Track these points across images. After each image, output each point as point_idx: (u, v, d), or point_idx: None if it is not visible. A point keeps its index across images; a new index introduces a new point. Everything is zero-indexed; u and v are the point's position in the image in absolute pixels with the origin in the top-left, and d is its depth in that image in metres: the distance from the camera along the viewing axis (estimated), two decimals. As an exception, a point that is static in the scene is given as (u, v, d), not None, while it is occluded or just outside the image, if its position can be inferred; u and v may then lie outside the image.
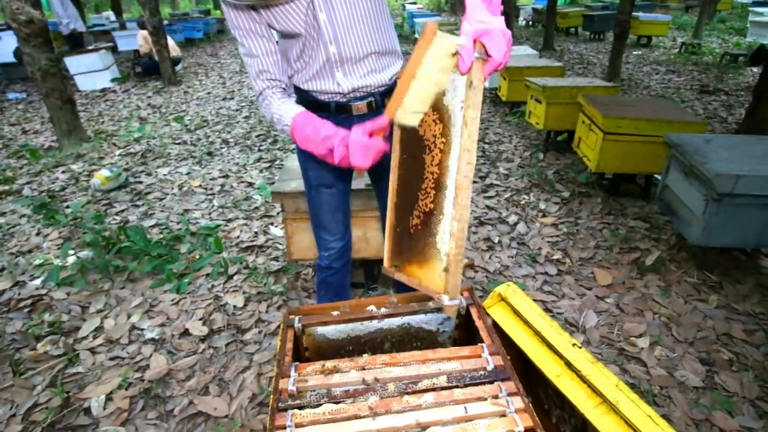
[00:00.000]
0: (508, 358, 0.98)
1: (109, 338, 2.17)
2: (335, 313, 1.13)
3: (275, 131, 5.14)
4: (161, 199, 3.61)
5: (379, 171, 1.49)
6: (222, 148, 4.74)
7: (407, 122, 0.97)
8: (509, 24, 11.22)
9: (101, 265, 2.61)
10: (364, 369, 0.96)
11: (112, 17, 15.27)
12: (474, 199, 3.43)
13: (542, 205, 3.29)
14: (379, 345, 1.18)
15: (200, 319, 2.26)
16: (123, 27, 12.51)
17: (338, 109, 1.35)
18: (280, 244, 2.88)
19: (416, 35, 12.14)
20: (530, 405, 0.86)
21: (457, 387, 0.91)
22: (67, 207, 3.45)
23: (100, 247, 2.72)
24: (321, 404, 0.88)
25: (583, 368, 0.94)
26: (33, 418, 1.76)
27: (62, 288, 2.52)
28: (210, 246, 2.85)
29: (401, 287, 1.69)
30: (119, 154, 4.62)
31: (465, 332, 1.19)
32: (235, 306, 2.36)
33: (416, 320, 1.16)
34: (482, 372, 0.94)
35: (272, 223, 3.15)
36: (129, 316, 2.31)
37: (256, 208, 3.40)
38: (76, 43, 8.51)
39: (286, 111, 1.24)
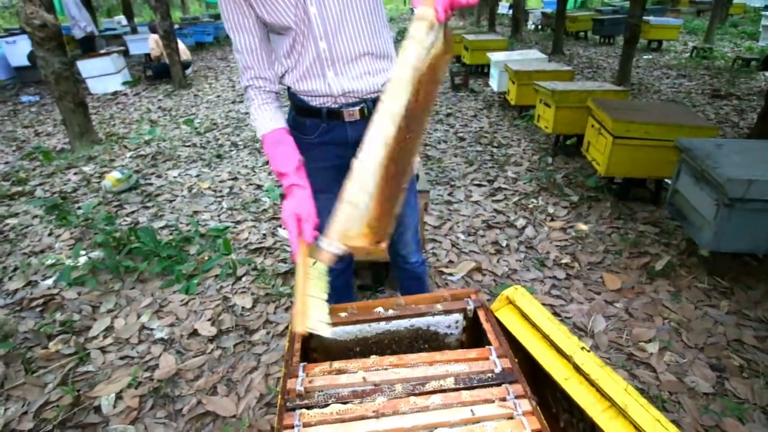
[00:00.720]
0: (516, 360, 0.98)
1: (119, 338, 2.19)
2: (343, 314, 1.14)
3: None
4: (171, 201, 3.65)
5: None
6: (231, 150, 4.78)
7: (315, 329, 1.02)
8: (518, 28, 11.15)
9: (112, 266, 2.64)
10: (371, 370, 0.97)
11: (124, 21, 15.45)
12: (482, 202, 3.43)
13: (551, 209, 3.28)
14: (387, 346, 1.18)
15: (209, 320, 2.28)
16: (134, 31, 12.66)
17: (330, 115, 1.33)
18: (288, 246, 2.89)
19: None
20: (538, 408, 0.86)
21: (464, 389, 0.92)
22: (79, 208, 3.50)
23: (111, 248, 2.75)
24: (329, 404, 0.89)
25: (591, 372, 0.94)
26: (44, 415, 1.79)
27: (74, 288, 2.55)
28: (219, 247, 2.87)
29: (402, 279, 1.70)
30: (130, 157, 4.67)
31: (472, 335, 1.19)
32: (243, 307, 2.37)
33: (423, 322, 1.17)
34: (490, 374, 0.94)
35: (280, 225, 3.17)
36: (139, 316, 2.33)
37: (265, 210, 3.42)
38: (89, 46, 8.62)
39: (262, 124, 1.25)
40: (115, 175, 3.82)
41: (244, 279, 2.60)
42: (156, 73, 8.31)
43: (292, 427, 0.84)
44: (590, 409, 0.91)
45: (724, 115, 5.29)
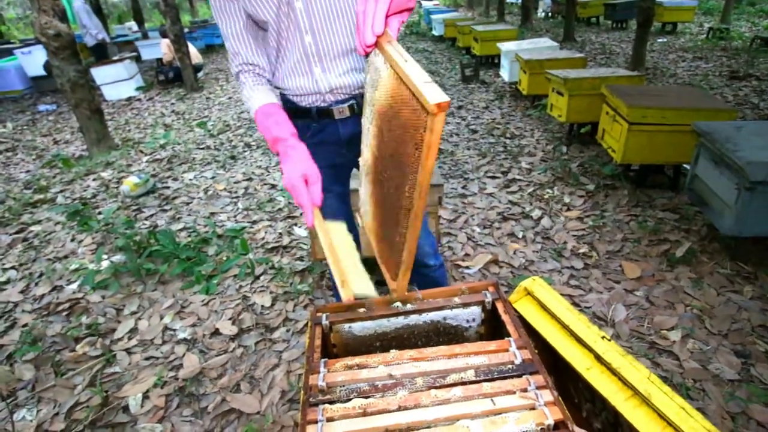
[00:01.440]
0: (536, 352, 0.98)
1: (144, 339, 2.24)
2: (362, 310, 1.14)
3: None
4: (188, 203, 3.70)
5: None
6: (245, 151, 4.82)
7: None
8: (528, 16, 11.02)
9: (133, 269, 2.69)
10: (392, 364, 0.97)
11: (135, 27, 15.65)
12: (496, 194, 3.41)
13: (567, 199, 3.24)
14: (406, 341, 1.19)
15: (230, 319, 2.32)
16: (145, 36, 12.80)
17: (320, 114, 1.32)
18: (305, 244, 2.92)
19: (433, 32, 12.08)
20: (559, 398, 0.86)
21: (485, 381, 0.92)
22: (99, 213, 3.57)
23: (132, 251, 2.80)
24: (351, 399, 0.90)
25: (613, 361, 0.93)
26: (75, 416, 1.84)
27: (97, 291, 2.61)
28: (236, 248, 2.90)
29: (420, 285, 1.69)
30: (146, 161, 4.74)
31: (491, 327, 1.19)
32: (262, 306, 2.40)
33: (442, 316, 1.17)
34: (510, 366, 0.94)
35: (296, 224, 3.20)
36: (161, 318, 2.37)
37: (280, 209, 3.45)
38: (101, 53, 8.75)
39: (254, 101, 1.22)
40: (133, 179, 3.89)
41: (262, 278, 2.64)
42: (168, 77, 8.41)
43: (316, 421, 0.85)
44: (613, 398, 0.90)
45: (743, 97, 5.16)
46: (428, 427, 0.84)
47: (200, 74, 8.73)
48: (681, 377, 1.79)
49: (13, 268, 2.95)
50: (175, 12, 7.41)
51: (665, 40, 9.19)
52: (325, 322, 1.11)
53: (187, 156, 4.79)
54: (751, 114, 4.60)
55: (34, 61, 8.67)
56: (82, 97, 4.67)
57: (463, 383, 0.92)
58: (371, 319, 1.14)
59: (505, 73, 6.18)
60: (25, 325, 2.38)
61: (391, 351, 1.02)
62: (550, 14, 14.78)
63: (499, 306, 1.13)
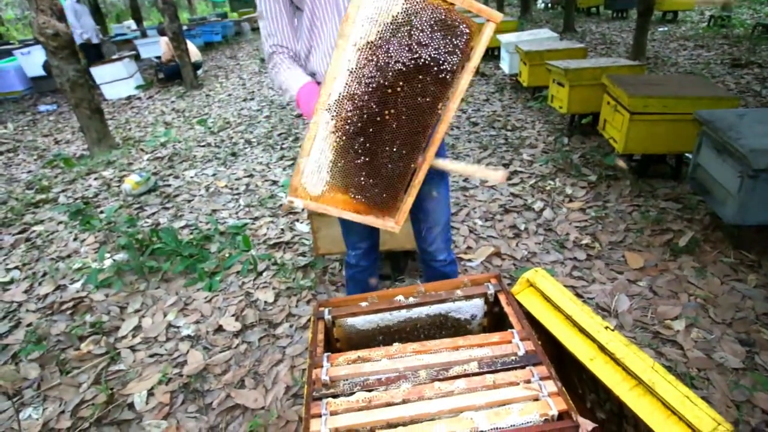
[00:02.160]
0: (539, 343, 0.98)
1: (148, 336, 2.25)
2: (364, 304, 1.14)
3: (296, 129, 5.18)
4: (189, 201, 3.70)
5: None
6: (245, 148, 4.82)
7: None
8: (528, 7, 10.93)
9: (136, 267, 2.69)
10: (395, 357, 0.97)
11: (133, 26, 15.62)
12: (498, 186, 3.40)
13: (568, 190, 3.23)
14: (409, 334, 1.19)
15: (233, 316, 2.32)
16: (144, 35, 12.78)
17: None
18: (307, 239, 2.92)
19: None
20: (563, 389, 0.86)
21: (488, 372, 0.92)
22: (101, 212, 3.57)
23: (135, 250, 2.80)
24: (354, 392, 0.90)
25: (616, 351, 0.93)
26: (81, 414, 1.85)
27: (101, 290, 2.61)
28: (239, 244, 2.91)
29: (429, 277, 1.69)
30: (147, 159, 4.74)
31: (494, 319, 1.19)
32: (265, 302, 2.41)
33: (444, 308, 1.17)
34: (513, 357, 0.94)
35: (298, 220, 3.20)
36: (165, 315, 2.38)
37: (281, 205, 3.45)
38: (94, 54, 8.63)
39: (293, 82, 1.21)
40: (134, 178, 3.89)
41: (265, 274, 2.64)
42: (167, 75, 8.40)
43: (320, 415, 0.85)
44: (617, 388, 0.90)
45: (745, 85, 5.12)
46: (432, 420, 0.84)
47: (200, 72, 8.71)
48: (685, 366, 1.79)
49: (16, 268, 2.96)
50: (174, 10, 7.39)
51: (666, 28, 9.13)
52: (327, 316, 1.11)
53: (187, 154, 4.79)
54: (754, 102, 4.57)
55: (33, 61, 8.66)
56: (82, 97, 4.67)
57: (467, 375, 0.92)
58: (374, 313, 1.14)
59: (505, 65, 6.15)
60: (29, 325, 2.39)
61: (394, 344, 1.02)
62: (549, 5, 14.69)
63: (502, 298, 1.13)
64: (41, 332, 2.30)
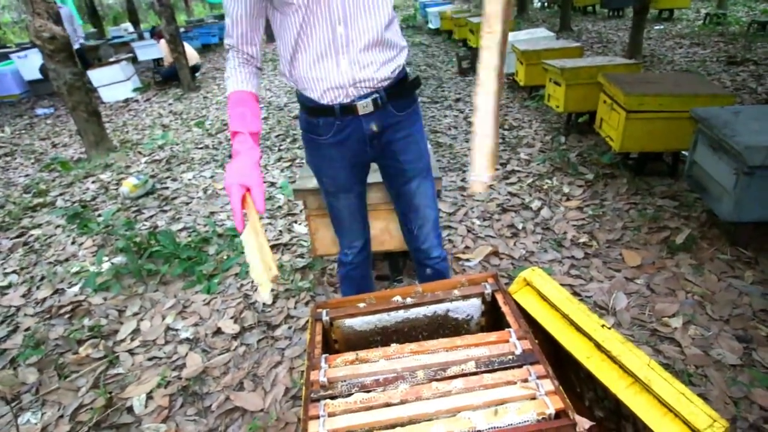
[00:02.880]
0: (537, 342, 0.98)
1: (146, 339, 2.25)
2: (362, 305, 1.15)
3: (294, 131, 5.18)
4: (187, 203, 3.70)
5: (390, 173, 1.49)
6: (243, 149, 4.80)
7: None
8: (524, 7, 10.95)
9: (135, 270, 2.69)
10: (392, 358, 0.98)
11: (131, 28, 15.57)
12: (495, 186, 3.41)
13: (566, 189, 3.24)
14: (407, 334, 1.19)
15: (231, 318, 2.32)
16: (141, 37, 12.75)
17: (343, 111, 1.30)
18: (305, 241, 2.92)
19: (429, 25, 12.02)
20: (560, 387, 0.86)
21: (485, 372, 0.92)
22: (99, 215, 3.57)
23: (133, 253, 2.80)
24: (352, 394, 0.90)
25: (613, 349, 0.93)
26: (79, 418, 1.85)
27: (99, 293, 2.61)
28: (237, 246, 2.91)
29: (424, 277, 1.70)
30: (145, 162, 4.74)
31: (492, 319, 1.19)
32: (264, 304, 2.41)
33: (442, 308, 1.17)
34: (510, 356, 0.95)
35: (296, 221, 3.20)
36: (164, 318, 2.38)
37: (279, 207, 3.45)
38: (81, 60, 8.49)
39: (232, 82, 1.22)
40: (132, 180, 3.88)
41: (263, 276, 2.63)
42: (165, 77, 8.39)
43: (318, 417, 0.85)
44: (613, 385, 0.90)
45: (740, 82, 5.14)
46: (430, 420, 0.84)
47: (198, 74, 8.70)
48: (683, 364, 1.80)
49: (14, 272, 2.95)
50: (170, 12, 7.38)
51: (662, 27, 9.15)
52: (325, 318, 1.11)
53: (185, 156, 4.78)
54: (749, 99, 4.58)
55: (30, 64, 8.62)
56: (79, 100, 4.66)
57: (464, 375, 0.92)
58: (371, 314, 1.15)
59: (501, 65, 6.15)
60: (27, 329, 2.39)
61: (392, 345, 1.02)
62: (546, 4, 14.72)
63: (499, 297, 1.13)
64: (39, 336, 2.30)
